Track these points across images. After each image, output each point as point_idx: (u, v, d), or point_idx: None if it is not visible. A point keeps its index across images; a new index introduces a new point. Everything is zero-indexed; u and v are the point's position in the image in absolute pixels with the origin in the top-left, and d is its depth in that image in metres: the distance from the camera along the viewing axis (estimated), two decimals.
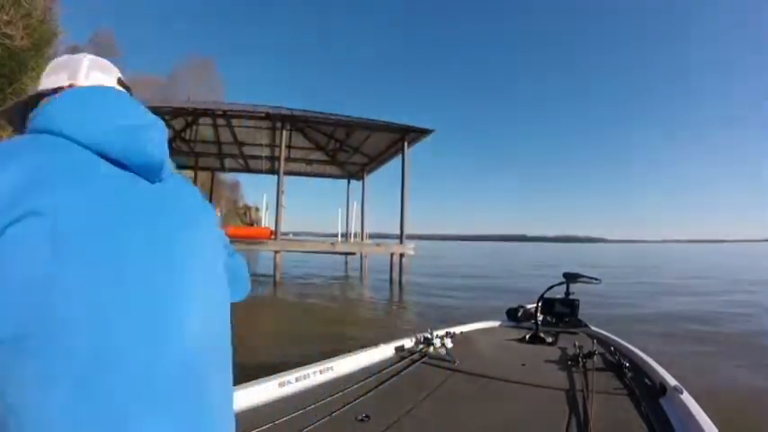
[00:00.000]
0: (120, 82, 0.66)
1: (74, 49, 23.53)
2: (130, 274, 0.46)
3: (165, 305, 0.48)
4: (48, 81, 0.62)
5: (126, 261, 0.46)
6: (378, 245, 11.37)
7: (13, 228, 0.40)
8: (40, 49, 13.11)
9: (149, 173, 0.52)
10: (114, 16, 49.35)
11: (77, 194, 0.44)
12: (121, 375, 0.42)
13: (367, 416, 1.41)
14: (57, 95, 0.55)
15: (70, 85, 0.60)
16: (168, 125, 9.92)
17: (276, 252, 9.55)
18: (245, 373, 1.68)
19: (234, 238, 9.23)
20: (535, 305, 2.68)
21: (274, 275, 9.42)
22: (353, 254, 12.20)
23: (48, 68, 0.65)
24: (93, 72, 0.65)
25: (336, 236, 11.94)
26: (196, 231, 0.56)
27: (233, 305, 0.62)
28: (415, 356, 1.98)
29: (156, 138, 0.54)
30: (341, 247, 10.78)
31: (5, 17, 11.40)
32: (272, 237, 9.91)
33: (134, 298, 0.45)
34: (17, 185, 0.41)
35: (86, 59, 0.66)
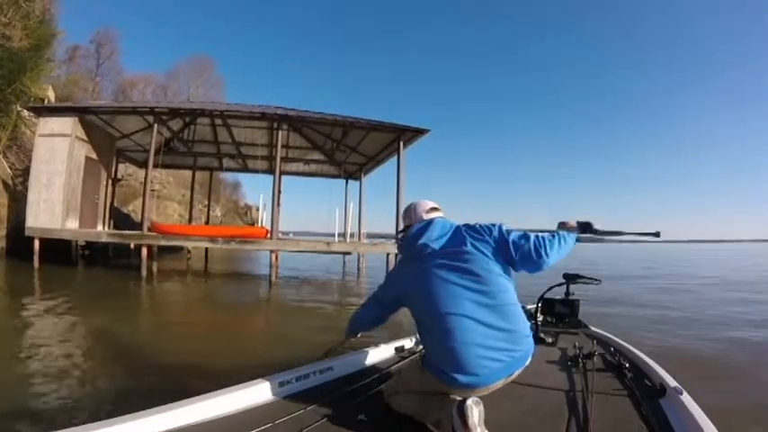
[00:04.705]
0: (431, 209, 1.64)
1: (74, 50, 23.45)
2: (439, 285, 1.42)
3: (454, 293, 1.39)
4: (403, 221, 1.69)
5: (435, 281, 1.43)
6: (374, 244, 11.43)
7: (409, 263, 1.57)
8: (39, 49, 13.17)
9: (437, 246, 1.49)
10: (114, 15, 49.43)
11: (418, 264, 1.51)
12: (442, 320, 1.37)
13: (367, 416, 1.42)
14: (409, 229, 1.61)
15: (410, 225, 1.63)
16: (166, 126, 9.91)
17: (272, 252, 9.60)
18: (244, 374, 1.70)
19: (229, 238, 9.21)
20: (535, 305, 2.69)
21: (270, 275, 9.46)
22: (350, 253, 12.24)
23: (402, 214, 1.72)
24: (415, 214, 1.64)
25: (335, 235, 11.98)
26: (460, 254, 1.45)
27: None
28: (416, 357, 1.98)
29: (432, 237, 1.50)
30: (337, 247, 10.83)
31: (4, 18, 11.47)
32: (268, 236, 9.94)
33: (442, 295, 1.40)
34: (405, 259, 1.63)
35: (414, 207, 1.66)
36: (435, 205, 1.66)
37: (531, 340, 1.44)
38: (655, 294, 9.74)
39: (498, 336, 1.35)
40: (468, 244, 1.46)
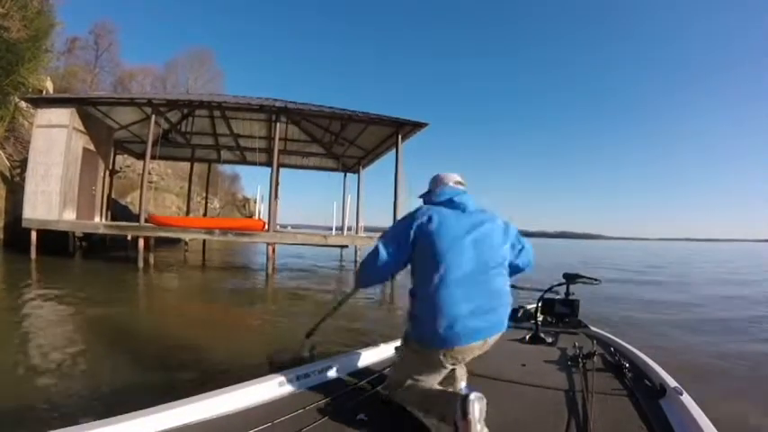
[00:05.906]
0: (457, 182, 1.73)
1: (73, 41, 23.36)
2: (453, 240, 1.47)
3: (462, 252, 1.46)
4: (429, 186, 1.77)
5: (452, 236, 1.48)
6: (370, 237, 11.46)
7: (429, 219, 1.53)
8: (37, 40, 13.11)
9: (463, 209, 1.58)
10: (114, 6, 49.02)
11: (442, 215, 1.54)
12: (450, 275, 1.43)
13: (367, 416, 1.43)
14: (433, 192, 1.72)
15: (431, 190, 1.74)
16: (164, 117, 9.88)
17: (269, 244, 9.63)
18: (239, 364, 1.67)
19: (226, 230, 9.24)
20: (535, 305, 2.71)
21: (267, 268, 9.50)
22: (347, 246, 12.28)
23: (430, 181, 1.78)
24: (444, 180, 1.72)
25: (333, 229, 12.01)
26: (480, 227, 1.54)
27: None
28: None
29: (463, 201, 1.60)
30: (334, 240, 10.86)
31: (2, 9, 11.40)
32: (265, 229, 9.96)
33: (452, 249, 1.46)
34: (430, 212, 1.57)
35: (443, 176, 1.75)
36: (461, 179, 1.77)
37: (508, 311, 1.54)
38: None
39: (486, 301, 1.45)
40: (492, 219, 1.63)
